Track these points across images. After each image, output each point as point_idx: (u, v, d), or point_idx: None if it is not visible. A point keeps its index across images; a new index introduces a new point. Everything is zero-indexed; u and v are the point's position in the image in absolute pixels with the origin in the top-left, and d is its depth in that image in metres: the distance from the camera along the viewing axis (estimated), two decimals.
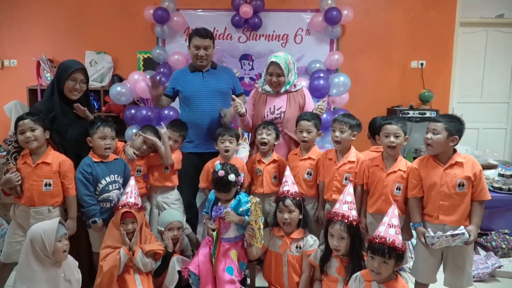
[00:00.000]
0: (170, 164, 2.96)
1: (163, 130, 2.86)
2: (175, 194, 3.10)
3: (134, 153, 2.94)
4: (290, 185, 2.55)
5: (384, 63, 4.97)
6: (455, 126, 2.27)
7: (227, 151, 2.89)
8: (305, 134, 2.82)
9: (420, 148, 4.50)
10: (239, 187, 2.58)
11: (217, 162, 2.60)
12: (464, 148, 4.49)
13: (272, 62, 2.97)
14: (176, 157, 3.03)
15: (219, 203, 2.57)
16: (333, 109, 4.60)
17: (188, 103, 3.26)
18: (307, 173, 2.85)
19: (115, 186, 2.74)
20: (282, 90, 3.06)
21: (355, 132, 2.71)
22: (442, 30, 4.91)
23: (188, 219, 3.06)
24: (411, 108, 4.71)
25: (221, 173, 2.50)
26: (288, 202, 2.48)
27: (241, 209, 2.51)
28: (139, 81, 4.13)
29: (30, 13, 5.14)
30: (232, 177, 2.49)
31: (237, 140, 3.00)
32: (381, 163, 2.58)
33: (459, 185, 2.26)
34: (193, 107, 3.24)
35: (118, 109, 4.76)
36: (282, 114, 3.06)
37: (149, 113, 4.12)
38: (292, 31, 4.80)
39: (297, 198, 2.50)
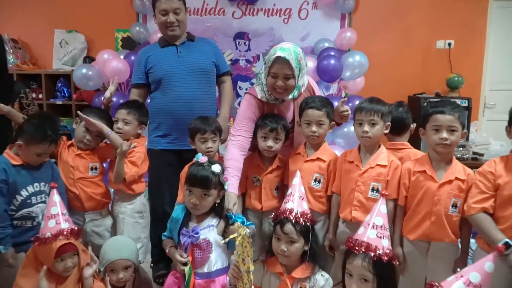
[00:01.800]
0: (117, 184, 2.29)
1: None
2: (137, 204, 2.39)
3: (79, 147, 2.28)
4: (296, 202, 1.78)
5: (404, 43, 4.47)
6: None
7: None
8: (314, 128, 2.08)
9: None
10: (220, 202, 1.84)
11: (200, 155, 1.86)
12: (499, 144, 3.94)
13: (277, 58, 2.03)
14: (136, 160, 2.32)
15: (191, 223, 1.82)
16: (345, 96, 3.89)
17: (159, 87, 2.57)
18: (315, 180, 2.11)
19: (41, 198, 2.03)
20: (289, 97, 2.20)
21: (388, 123, 1.99)
22: (473, 5, 4.41)
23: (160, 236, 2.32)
24: (438, 96, 4.17)
25: (203, 159, 1.80)
26: (289, 228, 1.72)
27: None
28: (109, 62, 3.41)
29: None
30: (217, 168, 1.77)
31: (221, 135, 2.29)
32: (430, 168, 1.84)
33: None
34: (166, 92, 2.55)
35: (92, 97, 4.09)
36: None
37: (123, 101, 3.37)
38: (296, 4, 4.31)
39: (304, 223, 1.74)
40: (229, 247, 1.83)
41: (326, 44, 4.02)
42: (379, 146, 2.02)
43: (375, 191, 1.92)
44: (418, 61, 4.48)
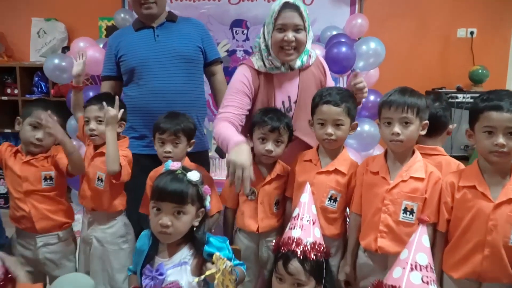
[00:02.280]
0: (114, 171, 1.78)
1: (112, 112, 1.78)
2: (118, 226, 1.93)
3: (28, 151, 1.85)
4: (305, 228, 1.32)
5: (421, 32, 4.14)
6: None
7: (168, 157, 1.77)
8: (330, 129, 1.63)
9: (473, 144, 3.37)
10: (200, 225, 1.37)
11: (170, 161, 1.40)
12: None
13: (285, 4, 1.73)
14: (127, 155, 1.89)
15: (158, 258, 1.36)
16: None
17: (132, 79, 2.15)
18: (330, 198, 1.65)
19: None
20: (297, 64, 1.84)
21: (425, 122, 1.54)
22: None
23: None
24: (460, 90, 3.80)
25: (175, 165, 1.35)
26: (295, 267, 1.25)
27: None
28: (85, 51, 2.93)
29: None
30: (194, 175, 1.33)
31: (190, 138, 1.85)
32: (481, 183, 1.39)
33: None
34: (140, 84, 2.12)
35: None
36: (294, 106, 1.89)
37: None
38: None
39: (315, 258, 1.27)
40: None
41: (334, 32, 3.56)
42: (413, 152, 1.56)
43: (408, 213, 1.46)
44: (437, 51, 4.15)
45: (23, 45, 4.20)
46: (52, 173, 1.85)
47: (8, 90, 4.02)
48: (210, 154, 2.53)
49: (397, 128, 1.48)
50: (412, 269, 1.08)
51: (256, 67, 1.83)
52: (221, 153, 2.40)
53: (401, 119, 1.48)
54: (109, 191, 1.87)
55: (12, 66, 3.94)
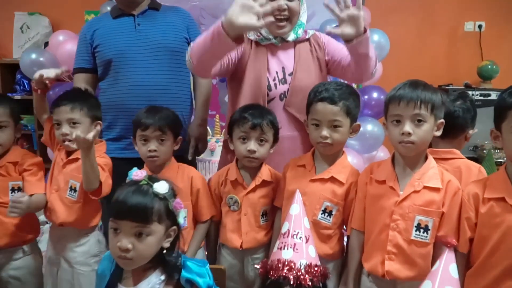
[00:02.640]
0: (93, 189, 1.57)
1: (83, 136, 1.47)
2: (90, 244, 1.70)
3: None
4: (297, 246, 1.11)
5: (427, 26, 4.01)
6: None
7: (153, 156, 1.58)
8: (325, 132, 1.42)
9: (483, 145, 3.47)
10: (170, 247, 1.15)
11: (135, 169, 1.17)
12: None
13: None
14: (104, 165, 1.66)
15: (120, 286, 1.13)
16: (358, 87, 3.27)
17: (109, 72, 1.94)
18: (324, 211, 1.43)
19: None
20: (291, 37, 1.71)
21: (441, 120, 1.33)
22: None
23: None
24: (468, 87, 3.71)
25: (138, 174, 1.10)
26: None
27: None
28: (63, 45, 2.74)
29: None
30: (162, 187, 1.10)
31: (177, 135, 1.66)
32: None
33: None
34: (118, 79, 1.91)
35: None
36: (289, 78, 1.71)
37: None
38: None
39: (312, 283, 1.06)
40: None
41: (334, 26, 3.37)
42: (426, 157, 1.34)
43: (422, 230, 1.24)
44: (444, 46, 4.03)
45: (5, 41, 4.01)
46: (21, 183, 1.65)
47: None
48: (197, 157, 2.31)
49: (408, 127, 1.26)
50: None
51: (251, 36, 1.70)
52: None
53: (413, 116, 1.27)
54: (82, 202, 1.64)
55: None
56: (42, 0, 4.02)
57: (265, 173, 1.61)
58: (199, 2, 3.69)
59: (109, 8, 3.45)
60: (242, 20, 1.31)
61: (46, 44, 3.82)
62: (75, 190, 1.64)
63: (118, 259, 1.06)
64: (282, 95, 1.70)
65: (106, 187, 1.59)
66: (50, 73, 1.73)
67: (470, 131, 1.55)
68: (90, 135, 1.44)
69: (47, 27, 3.97)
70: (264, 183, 1.59)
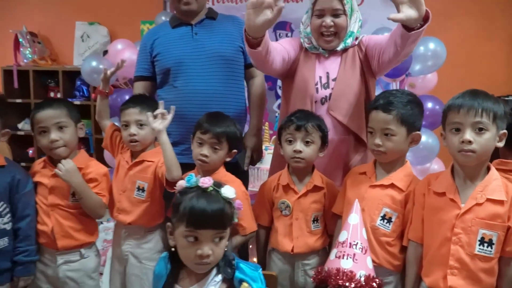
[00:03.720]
0: (176, 177, 1.61)
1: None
2: (156, 240, 1.79)
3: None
4: (357, 256, 1.10)
5: (485, 32, 3.79)
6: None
7: (203, 161, 1.61)
8: (377, 140, 1.43)
9: None
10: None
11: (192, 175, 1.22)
12: None
13: None
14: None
15: (177, 286, 1.16)
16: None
17: (167, 80, 2.00)
18: (383, 217, 1.42)
19: None
20: (340, 47, 1.75)
21: (504, 131, 1.27)
22: None
23: None
24: None
25: (206, 182, 1.14)
26: None
27: None
28: (122, 53, 2.88)
29: None
30: (229, 191, 1.15)
31: (232, 147, 1.67)
32: None
33: None
34: (177, 86, 1.97)
35: None
36: (332, 83, 1.76)
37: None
38: None
39: None
40: None
41: (386, 34, 3.31)
42: (488, 168, 1.29)
43: (486, 245, 1.19)
44: (503, 54, 3.82)
45: (66, 49, 4.24)
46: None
47: (52, 94, 4.04)
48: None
49: (468, 135, 1.22)
50: None
51: (305, 45, 1.82)
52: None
53: (474, 124, 1.23)
54: (149, 201, 1.74)
55: (55, 70, 3.96)
56: (101, 10, 4.21)
57: (316, 178, 1.62)
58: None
59: (164, 18, 3.62)
60: (259, 21, 1.45)
61: (105, 52, 4.00)
62: (143, 190, 1.73)
63: (195, 266, 1.10)
64: (323, 99, 1.74)
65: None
66: (111, 70, 1.84)
67: None
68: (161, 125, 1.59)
69: (105, 36, 4.15)
70: (315, 188, 1.61)
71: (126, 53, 2.88)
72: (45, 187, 1.68)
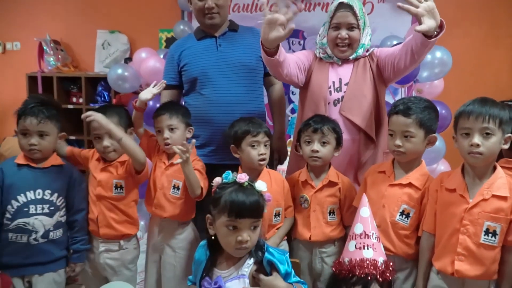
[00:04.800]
0: (197, 195, 1.81)
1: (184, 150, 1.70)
2: (188, 232, 1.97)
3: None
4: (375, 246, 1.25)
5: (492, 39, 3.83)
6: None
7: (263, 160, 1.76)
8: (398, 141, 1.57)
9: None
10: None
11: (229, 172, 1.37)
12: None
13: (340, 4, 1.90)
14: (201, 168, 1.93)
15: (217, 270, 1.33)
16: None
17: (194, 88, 2.15)
18: (401, 213, 1.55)
19: (42, 208, 1.71)
20: (352, 56, 1.96)
21: (508, 135, 1.41)
22: None
23: None
24: None
25: (243, 177, 1.31)
26: None
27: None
28: (146, 61, 3.03)
29: None
30: (261, 185, 1.31)
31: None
32: None
33: None
34: (203, 93, 2.12)
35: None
36: (344, 87, 1.96)
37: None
38: None
39: (390, 278, 1.19)
40: None
41: (395, 42, 3.41)
42: (494, 168, 1.43)
43: (490, 235, 1.33)
44: (508, 60, 3.84)
45: (88, 56, 4.35)
46: (123, 182, 1.86)
47: (74, 99, 4.18)
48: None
49: (476, 139, 1.37)
50: None
51: (318, 55, 2.02)
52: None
53: (481, 129, 1.37)
54: (184, 199, 1.89)
55: (78, 76, 4.10)
56: (121, 19, 4.31)
57: (332, 175, 1.78)
58: (261, 20, 3.88)
59: (182, 27, 3.76)
60: (272, 36, 1.64)
61: (126, 60, 4.14)
62: (178, 188, 1.89)
63: (235, 251, 1.26)
64: (336, 101, 1.91)
65: (205, 190, 1.81)
66: (147, 95, 1.96)
67: None
68: (186, 155, 1.66)
69: (125, 44, 4.27)
70: (330, 184, 1.76)
71: (150, 61, 3.04)
72: (95, 179, 1.85)
